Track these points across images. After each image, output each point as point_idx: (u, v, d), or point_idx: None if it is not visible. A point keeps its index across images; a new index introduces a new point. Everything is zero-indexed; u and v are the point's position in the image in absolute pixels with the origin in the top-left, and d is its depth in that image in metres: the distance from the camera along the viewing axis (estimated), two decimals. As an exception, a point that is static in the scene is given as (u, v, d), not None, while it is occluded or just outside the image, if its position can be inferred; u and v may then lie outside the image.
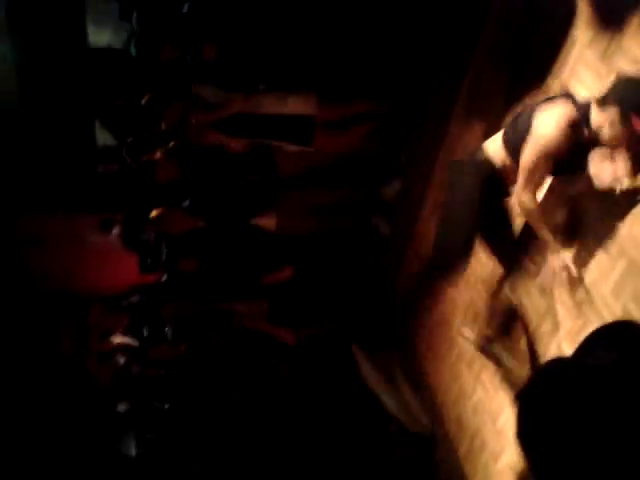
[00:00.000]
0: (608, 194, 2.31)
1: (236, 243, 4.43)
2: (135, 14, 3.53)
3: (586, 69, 2.52)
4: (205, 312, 4.68)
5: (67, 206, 5.42)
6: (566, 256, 2.50)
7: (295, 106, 3.86)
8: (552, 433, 1.39)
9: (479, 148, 2.64)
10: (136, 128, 4.12)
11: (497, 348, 3.28)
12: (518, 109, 2.73)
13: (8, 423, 5.07)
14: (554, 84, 2.74)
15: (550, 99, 2.32)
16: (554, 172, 2.38)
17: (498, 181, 2.58)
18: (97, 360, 5.40)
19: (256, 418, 4.85)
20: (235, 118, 3.88)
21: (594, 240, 2.47)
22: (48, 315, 5.87)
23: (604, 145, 2.17)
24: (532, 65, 2.93)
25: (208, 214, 4.32)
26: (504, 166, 2.51)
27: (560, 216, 2.65)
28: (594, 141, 2.17)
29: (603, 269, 2.42)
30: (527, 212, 2.44)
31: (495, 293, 3.26)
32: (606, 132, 2.09)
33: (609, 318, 2.41)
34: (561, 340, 2.75)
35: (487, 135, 3.29)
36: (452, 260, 3.66)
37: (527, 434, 1.46)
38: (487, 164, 2.56)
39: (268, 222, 4.36)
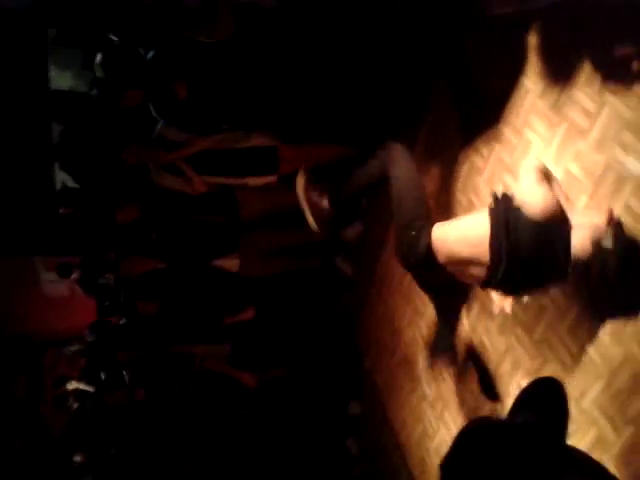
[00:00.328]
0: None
1: (197, 285, 4.41)
2: (98, 60, 3.54)
3: (539, 118, 2.65)
4: (164, 356, 4.61)
5: (24, 248, 5.32)
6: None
7: (258, 140, 3.92)
8: None
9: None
10: (96, 171, 4.09)
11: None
12: None
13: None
14: (507, 132, 2.87)
15: None
16: None
17: None
18: (52, 406, 5.23)
19: (216, 464, 4.77)
20: (197, 157, 3.89)
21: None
22: (2, 359, 5.68)
23: None
24: (486, 113, 3.05)
25: (169, 256, 4.29)
26: None
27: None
28: None
29: (561, 310, 2.51)
30: None
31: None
32: None
33: (567, 357, 2.49)
34: (520, 379, 2.82)
35: (444, 179, 3.43)
36: (414, 301, 3.72)
37: None
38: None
39: (230, 264, 4.36)
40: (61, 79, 4.32)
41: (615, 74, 2.22)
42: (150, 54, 3.47)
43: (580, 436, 2.40)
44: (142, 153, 3.85)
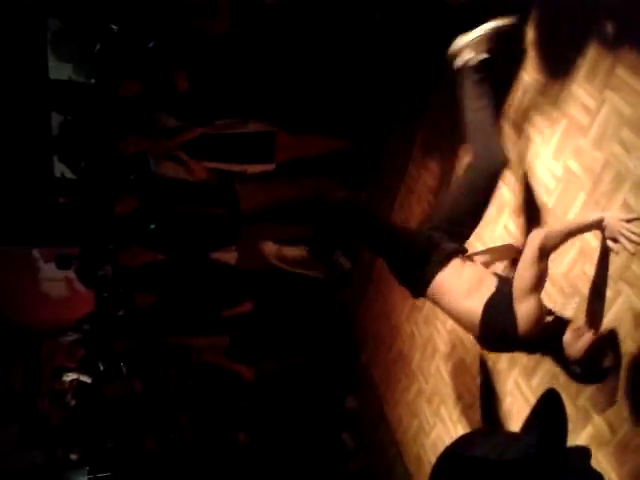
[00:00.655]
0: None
1: (195, 277, 4.40)
2: (96, 49, 3.53)
3: (538, 114, 2.63)
4: (162, 347, 4.61)
5: (23, 239, 5.31)
6: None
7: (256, 126, 3.91)
8: None
9: None
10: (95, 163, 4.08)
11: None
12: None
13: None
14: (507, 127, 2.85)
15: None
16: None
17: None
18: (49, 400, 5.23)
19: (214, 458, 4.77)
20: (195, 142, 3.88)
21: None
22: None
23: None
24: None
25: (168, 248, 4.28)
26: None
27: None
28: None
29: (557, 308, 2.50)
30: None
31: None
32: None
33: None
34: (517, 376, 2.81)
35: (443, 176, 3.41)
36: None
37: None
38: None
39: (228, 257, 4.35)
40: (61, 69, 4.30)
41: (615, 71, 2.20)
42: (150, 44, 3.46)
43: (576, 434, 2.40)
44: (142, 143, 3.83)
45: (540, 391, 2.59)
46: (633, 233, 1.93)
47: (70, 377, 5.05)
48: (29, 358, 5.74)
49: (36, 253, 5.72)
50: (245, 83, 3.68)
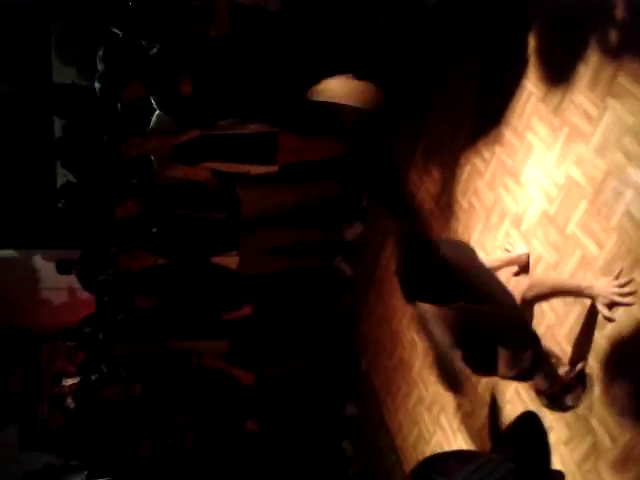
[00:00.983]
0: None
1: (196, 281, 4.40)
2: (100, 52, 3.54)
3: (540, 122, 2.63)
4: (162, 351, 4.60)
5: (24, 242, 5.31)
6: None
7: (257, 127, 3.91)
8: None
9: None
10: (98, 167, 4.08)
11: None
12: None
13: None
14: (509, 134, 2.85)
15: None
16: None
17: None
18: (49, 404, 5.22)
19: (211, 462, 4.76)
20: (197, 142, 3.88)
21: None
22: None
23: None
24: (488, 115, 3.04)
25: (169, 252, 4.28)
26: None
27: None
28: None
29: (559, 314, 2.49)
30: None
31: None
32: None
33: (564, 359, 2.47)
34: (517, 385, 2.80)
35: (445, 181, 3.41)
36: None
37: None
38: None
39: (229, 261, 4.35)
40: (64, 73, 4.32)
41: (617, 79, 2.20)
42: (154, 49, 3.47)
43: (576, 443, 2.39)
44: (144, 144, 3.83)
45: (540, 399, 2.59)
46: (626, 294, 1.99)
47: (69, 382, 5.04)
48: (29, 361, 5.74)
49: (37, 260, 5.71)
50: (248, 87, 3.69)
